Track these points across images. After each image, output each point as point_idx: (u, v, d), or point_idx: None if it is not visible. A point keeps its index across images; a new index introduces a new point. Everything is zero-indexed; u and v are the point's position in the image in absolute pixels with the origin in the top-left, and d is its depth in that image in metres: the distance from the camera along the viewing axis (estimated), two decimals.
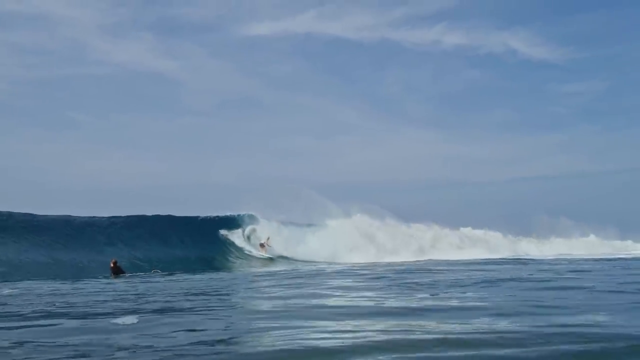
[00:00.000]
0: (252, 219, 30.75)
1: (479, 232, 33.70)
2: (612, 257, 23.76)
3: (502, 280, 11.04)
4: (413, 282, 10.98)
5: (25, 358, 4.34)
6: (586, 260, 20.63)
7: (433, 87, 66.04)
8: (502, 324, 5.56)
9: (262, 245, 27.83)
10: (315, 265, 22.31)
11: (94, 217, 27.97)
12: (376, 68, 67.12)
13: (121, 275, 17.99)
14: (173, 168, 56.04)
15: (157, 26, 61.63)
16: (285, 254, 27.47)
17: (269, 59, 65.22)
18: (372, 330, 5.37)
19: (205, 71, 62.93)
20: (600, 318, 5.82)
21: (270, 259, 26.83)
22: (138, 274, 18.98)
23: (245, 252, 28.68)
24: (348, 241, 28.12)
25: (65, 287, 12.89)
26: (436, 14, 66.79)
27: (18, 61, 55.14)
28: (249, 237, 29.69)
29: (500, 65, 64.23)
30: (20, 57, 55.18)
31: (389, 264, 20.29)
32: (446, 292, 8.97)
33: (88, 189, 48.33)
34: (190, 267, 22.88)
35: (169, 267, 21.85)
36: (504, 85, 65.68)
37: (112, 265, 18.43)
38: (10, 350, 4.58)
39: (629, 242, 37.72)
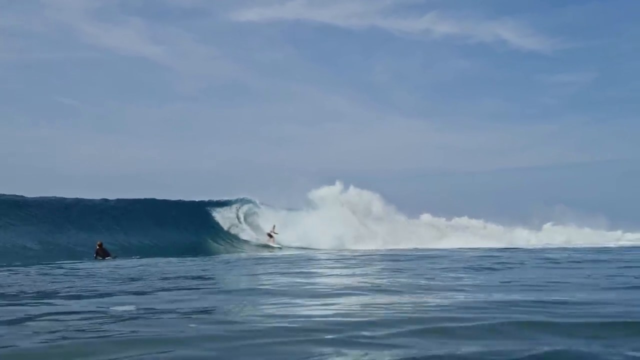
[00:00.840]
0: (249, 203, 30.83)
1: (475, 222, 33.98)
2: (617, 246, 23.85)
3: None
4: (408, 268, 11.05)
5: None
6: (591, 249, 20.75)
7: (423, 76, 65.68)
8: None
9: (269, 235, 27.59)
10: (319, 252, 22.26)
11: (83, 199, 27.81)
12: (366, 56, 66.57)
13: (107, 257, 17.97)
14: (162, 154, 55.87)
15: (145, 11, 60.84)
16: (296, 243, 27.16)
17: (257, 45, 64.74)
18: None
19: (194, 57, 62.50)
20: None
21: (279, 248, 26.58)
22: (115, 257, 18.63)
23: (240, 237, 28.74)
24: (350, 228, 28.15)
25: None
26: (426, 3, 66.00)
27: (6, 45, 54.59)
28: (247, 221, 29.81)
29: (490, 55, 64.05)
30: (8, 40, 54.62)
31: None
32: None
33: (77, 174, 48.09)
34: (187, 251, 22.91)
35: (164, 251, 21.93)
36: (493, 75, 65.49)
37: (97, 247, 18.45)
38: None
39: (619, 232, 37.82)
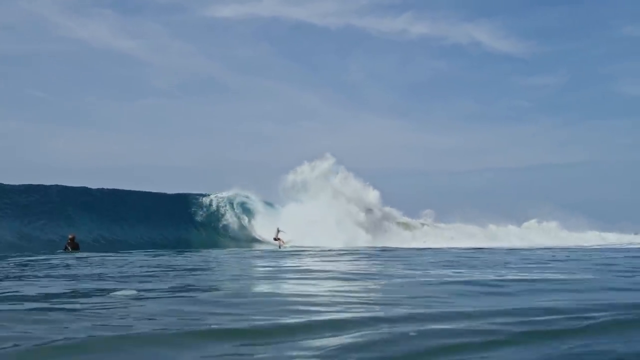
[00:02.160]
0: (241, 197, 30.67)
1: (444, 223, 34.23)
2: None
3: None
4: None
5: None
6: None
7: (398, 76, 65.76)
8: None
9: (276, 239, 25.88)
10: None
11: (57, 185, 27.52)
12: (341, 55, 66.16)
13: (76, 250, 17.74)
14: (134, 149, 54.67)
15: (120, 4, 59.74)
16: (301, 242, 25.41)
17: (233, 42, 64.05)
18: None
19: (169, 52, 61.56)
20: None
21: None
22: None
23: (230, 228, 28.76)
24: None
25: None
26: (402, 3, 65.52)
27: None
28: (244, 215, 29.76)
29: (465, 57, 64.49)
30: None
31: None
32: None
33: (45, 168, 47.27)
34: (176, 244, 22.85)
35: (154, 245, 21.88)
36: (468, 76, 65.94)
37: (69, 239, 18.36)
38: None
39: (595, 233, 38.13)
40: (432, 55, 65.43)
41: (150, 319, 3.50)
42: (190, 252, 16.49)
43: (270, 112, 63.09)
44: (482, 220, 34.17)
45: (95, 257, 12.43)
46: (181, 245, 23.54)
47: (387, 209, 32.17)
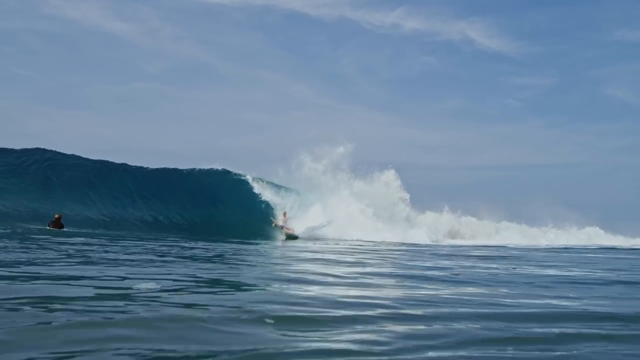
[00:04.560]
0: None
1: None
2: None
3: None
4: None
5: None
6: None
7: (389, 70, 66.54)
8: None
9: (282, 226, 22.72)
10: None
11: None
12: (333, 46, 67.09)
13: (61, 230, 17.60)
14: (120, 131, 54.66)
15: None
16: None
17: (225, 28, 64.12)
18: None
19: (160, 36, 61.27)
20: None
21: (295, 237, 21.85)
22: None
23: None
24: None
25: None
26: None
27: None
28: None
29: (457, 54, 65.61)
30: None
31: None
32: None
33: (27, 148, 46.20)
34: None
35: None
36: (458, 73, 66.93)
37: (55, 218, 18.17)
38: None
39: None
40: (424, 50, 66.19)
41: None
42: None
43: (260, 100, 63.15)
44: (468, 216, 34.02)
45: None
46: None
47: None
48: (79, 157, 27.93)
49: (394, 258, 11.53)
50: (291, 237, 21.67)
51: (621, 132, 63.23)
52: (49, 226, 17.86)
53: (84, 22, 57.42)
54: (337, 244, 17.66)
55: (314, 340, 3.15)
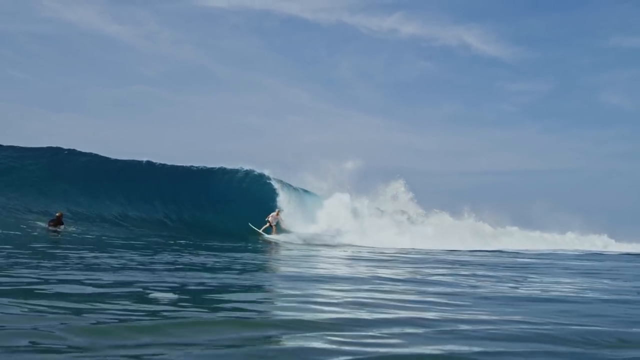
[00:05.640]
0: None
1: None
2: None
3: None
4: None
5: None
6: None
7: (386, 75, 66.27)
8: None
9: (268, 221, 22.49)
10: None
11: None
12: (331, 51, 66.69)
13: (61, 227, 17.01)
14: (116, 135, 53.63)
15: None
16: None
17: (223, 32, 63.39)
18: None
19: (158, 39, 60.30)
20: None
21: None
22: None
23: None
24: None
25: None
26: (394, 3, 66.22)
27: None
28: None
29: (453, 59, 65.48)
30: None
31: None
32: None
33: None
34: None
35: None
36: (455, 78, 66.84)
37: (56, 216, 17.35)
38: None
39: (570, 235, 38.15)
40: (421, 56, 66.03)
41: None
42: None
43: (258, 104, 62.53)
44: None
45: None
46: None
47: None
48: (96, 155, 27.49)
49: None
50: (266, 231, 21.99)
51: (617, 138, 63.78)
52: (49, 224, 17.03)
53: (81, 25, 56.45)
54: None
55: None
